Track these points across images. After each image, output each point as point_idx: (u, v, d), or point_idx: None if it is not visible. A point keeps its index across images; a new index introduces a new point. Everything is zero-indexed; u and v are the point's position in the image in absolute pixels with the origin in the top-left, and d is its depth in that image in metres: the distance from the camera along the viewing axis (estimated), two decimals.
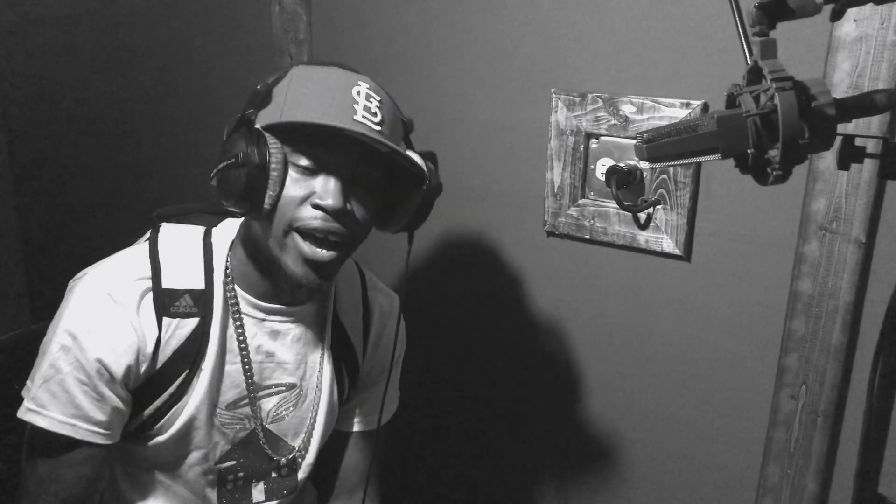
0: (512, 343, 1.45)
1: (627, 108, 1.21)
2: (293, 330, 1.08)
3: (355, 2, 1.47)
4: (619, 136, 1.24)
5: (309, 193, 0.93)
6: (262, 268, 1.01)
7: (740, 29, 0.69)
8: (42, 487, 0.98)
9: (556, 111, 1.28)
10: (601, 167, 1.26)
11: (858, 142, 0.76)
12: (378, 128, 0.93)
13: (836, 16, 0.65)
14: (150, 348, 0.97)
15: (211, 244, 1.04)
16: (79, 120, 2.04)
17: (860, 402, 1.12)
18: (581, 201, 1.30)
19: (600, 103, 1.23)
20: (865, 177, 1.05)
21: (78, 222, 2.15)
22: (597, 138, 1.26)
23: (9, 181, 2.23)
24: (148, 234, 1.06)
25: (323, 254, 0.94)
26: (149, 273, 0.98)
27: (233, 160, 0.89)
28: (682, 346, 1.26)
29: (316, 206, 0.92)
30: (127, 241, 1.08)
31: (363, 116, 0.91)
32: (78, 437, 0.95)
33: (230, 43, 1.67)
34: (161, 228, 1.05)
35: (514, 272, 1.41)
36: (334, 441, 1.22)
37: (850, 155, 0.70)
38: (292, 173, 0.92)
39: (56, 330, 0.95)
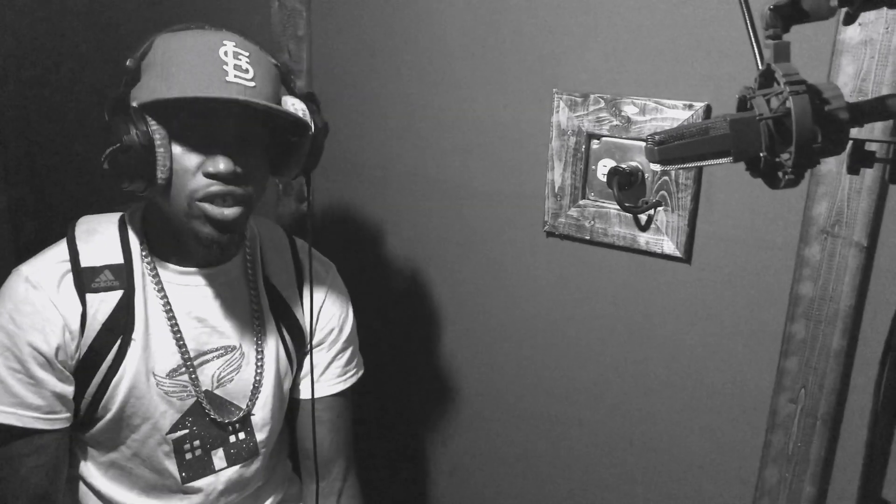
0: (509, 343, 1.44)
1: (629, 109, 1.21)
2: (220, 292, 1.11)
3: None
4: (620, 137, 1.23)
5: (200, 162, 0.96)
6: (173, 235, 1.05)
7: (751, 32, 0.69)
8: (3, 481, 1.00)
9: (557, 111, 1.27)
10: (602, 168, 1.26)
11: (866, 146, 0.75)
12: (252, 84, 0.94)
13: (850, 19, 0.65)
14: (75, 325, 1.00)
15: (125, 222, 1.09)
16: (73, 116, 2.02)
17: (859, 407, 1.13)
18: (581, 202, 1.29)
19: (602, 104, 1.23)
20: (868, 181, 1.05)
21: (72, 216, 2.12)
22: (598, 139, 1.26)
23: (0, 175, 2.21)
24: None
25: (227, 212, 0.98)
26: (67, 256, 1.03)
27: (118, 145, 0.91)
28: (682, 349, 1.26)
29: (208, 175, 0.96)
30: None
31: (235, 76, 0.93)
32: (21, 424, 0.98)
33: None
34: (79, 219, 1.10)
35: (513, 272, 1.40)
36: (296, 412, 1.24)
37: (861, 159, 0.70)
38: (179, 146, 0.95)
39: None
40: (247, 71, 0.94)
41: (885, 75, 1.01)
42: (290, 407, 1.24)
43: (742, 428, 1.23)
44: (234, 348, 1.13)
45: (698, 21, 1.14)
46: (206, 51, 0.94)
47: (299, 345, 1.21)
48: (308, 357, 1.20)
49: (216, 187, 0.96)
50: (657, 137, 0.66)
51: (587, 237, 1.30)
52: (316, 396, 1.20)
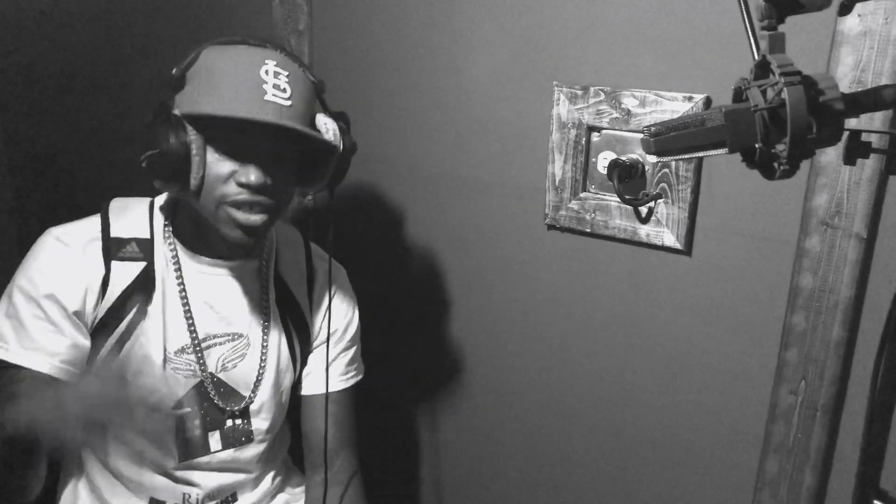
0: (510, 336, 1.45)
1: (629, 102, 1.21)
2: (232, 283, 1.17)
3: None
4: (620, 130, 1.23)
5: (232, 171, 1.01)
6: (197, 227, 1.11)
7: (747, 23, 0.69)
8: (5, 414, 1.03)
9: (557, 104, 1.27)
10: (603, 160, 1.26)
11: (864, 137, 0.76)
12: (288, 103, 1.00)
13: (845, 10, 0.65)
14: (97, 285, 1.07)
15: (153, 205, 1.16)
16: (77, 113, 2.03)
17: (859, 398, 1.13)
18: (582, 194, 1.30)
19: (602, 96, 1.23)
20: (867, 172, 1.05)
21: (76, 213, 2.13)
22: (598, 131, 1.26)
23: (5, 170, 2.22)
24: None
25: (254, 219, 1.03)
26: (99, 227, 1.10)
27: (157, 150, 0.97)
28: (682, 341, 1.26)
29: (240, 184, 1.01)
30: None
31: (273, 95, 0.99)
32: (37, 368, 1.03)
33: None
34: (112, 199, 1.16)
35: (515, 265, 1.41)
36: (299, 407, 1.28)
37: (857, 150, 0.70)
38: (214, 155, 1.00)
39: (15, 276, 1.07)
40: (284, 90, 1.00)
41: (884, 66, 1.01)
42: (293, 404, 1.29)
43: (743, 419, 1.23)
44: (240, 336, 1.18)
45: (698, 13, 1.14)
46: (248, 68, 0.98)
47: (304, 341, 1.25)
48: (312, 355, 1.27)
49: (244, 196, 1.01)
50: (653, 129, 0.67)
51: (588, 230, 1.30)
52: (319, 392, 1.25)
